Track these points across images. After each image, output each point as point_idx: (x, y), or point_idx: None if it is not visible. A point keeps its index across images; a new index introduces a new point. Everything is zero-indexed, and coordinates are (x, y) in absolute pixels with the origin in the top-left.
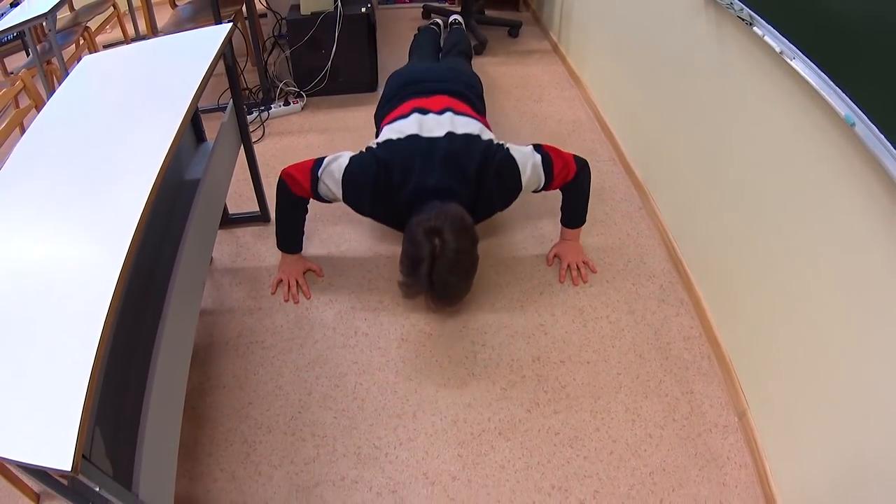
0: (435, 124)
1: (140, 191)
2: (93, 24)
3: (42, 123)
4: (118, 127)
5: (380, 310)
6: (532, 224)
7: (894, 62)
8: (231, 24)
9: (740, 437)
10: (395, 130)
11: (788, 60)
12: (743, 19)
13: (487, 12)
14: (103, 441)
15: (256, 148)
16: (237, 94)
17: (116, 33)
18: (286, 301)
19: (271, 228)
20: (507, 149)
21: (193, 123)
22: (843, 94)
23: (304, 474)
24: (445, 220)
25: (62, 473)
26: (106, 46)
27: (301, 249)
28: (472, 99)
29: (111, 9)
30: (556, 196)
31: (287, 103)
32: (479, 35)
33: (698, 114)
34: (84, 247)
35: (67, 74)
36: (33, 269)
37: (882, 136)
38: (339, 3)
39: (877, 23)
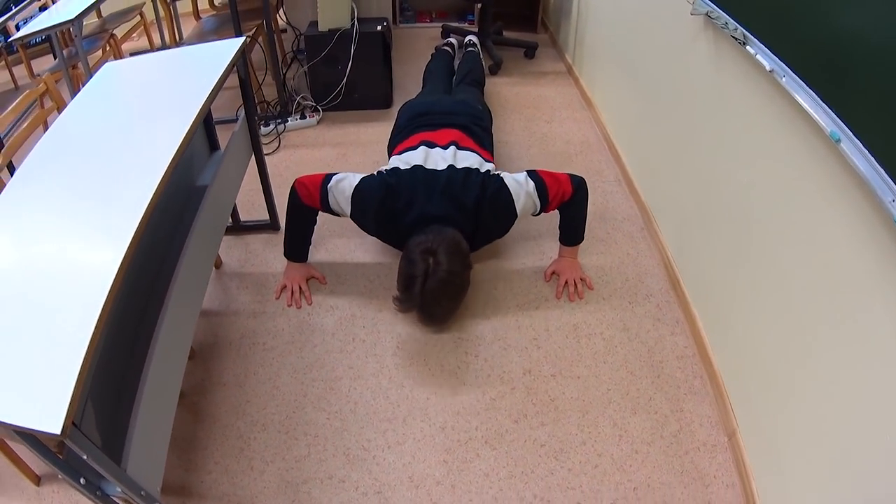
0: (439, 157)
1: (147, 189)
2: (119, 32)
3: (62, 125)
4: (133, 130)
5: (378, 319)
6: (531, 240)
7: (877, 81)
8: (244, 37)
9: (728, 456)
10: (403, 161)
11: (778, 78)
12: (737, 38)
13: (505, 33)
14: (95, 417)
15: (271, 159)
16: (250, 104)
17: (142, 42)
18: (289, 306)
19: (280, 237)
20: (502, 179)
21: (208, 132)
22: (830, 111)
23: (294, 471)
24: (441, 242)
25: (51, 437)
26: (132, 54)
27: (306, 259)
28: (478, 132)
29: (138, 17)
30: (555, 213)
31: (304, 117)
32: (495, 55)
33: (696, 134)
34: (91, 236)
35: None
36: (41, 252)
37: (866, 152)
38: (356, 21)
39: (861, 43)
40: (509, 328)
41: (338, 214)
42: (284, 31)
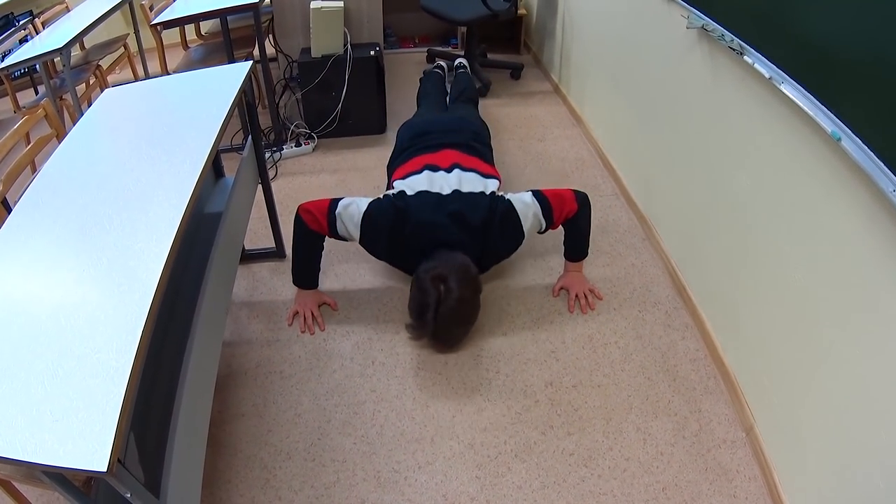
0: (444, 182)
1: (167, 228)
2: (104, 63)
3: (67, 150)
4: (141, 161)
5: (395, 341)
6: (539, 257)
7: (872, 79)
8: (251, 61)
9: (748, 451)
10: (408, 186)
11: (777, 85)
12: (734, 49)
13: (490, 55)
14: (137, 450)
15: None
16: (256, 130)
17: (126, 74)
18: (302, 332)
19: (287, 264)
20: (509, 201)
21: (214, 159)
22: (829, 112)
23: (324, 498)
24: (452, 269)
25: (92, 474)
26: (116, 86)
27: (317, 285)
28: (480, 149)
29: (122, 49)
30: (559, 236)
31: (298, 144)
32: (483, 77)
33: (694, 143)
34: (123, 265)
35: (83, 112)
36: (70, 286)
37: (866, 148)
38: (349, 47)
39: (855, 44)
40: (527, 343)
41: (345, 240)
42: (274, 59)
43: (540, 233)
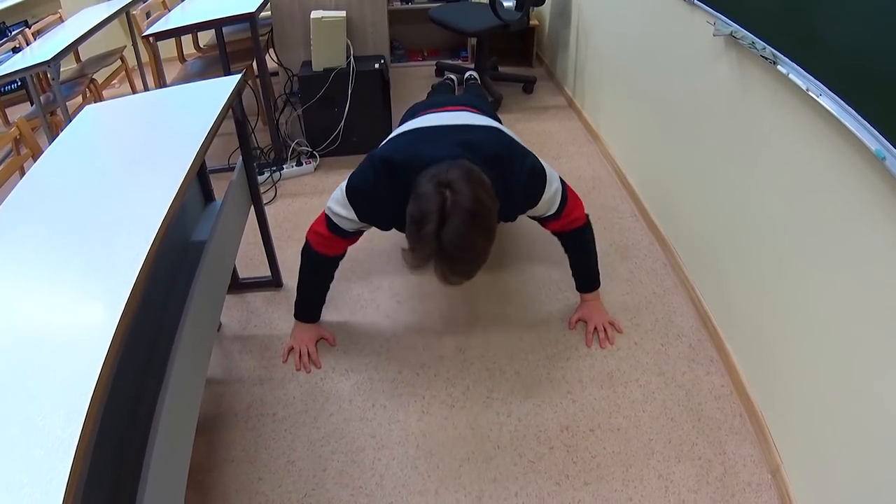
0: (447, 118)
1: (139, 248)
2: (99, 77)
3: (38, 173)
4: (120, 179)
5: (398, 381)
6: (554, 287)
7: None
8: (241, 74)
9: (773, 493)
10: (398, 131)
11: (815, 97)
12: (766, 58)
13: (501, 68)
14: None
15: (268, 209)
16: (247, 149)
17: (124, 88)
18: (298, 370)
19: (284, 294)
20: (538, 158)
21: (202, 181)
22: (873, 129)
23: None
24: (458, 172)
25: None
26: (98, 102)
27: (318, 319)
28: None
29: (119, 62)
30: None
31: (300, 164)
32: (494, 91)
33: (721, 159)
34: (77, 308)
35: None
36: (20, 327)
37: None
38: (353, 60)
39: None
40: (541, 383)
41: (354, 234)
42: (275, 73)
43: (538, 217)
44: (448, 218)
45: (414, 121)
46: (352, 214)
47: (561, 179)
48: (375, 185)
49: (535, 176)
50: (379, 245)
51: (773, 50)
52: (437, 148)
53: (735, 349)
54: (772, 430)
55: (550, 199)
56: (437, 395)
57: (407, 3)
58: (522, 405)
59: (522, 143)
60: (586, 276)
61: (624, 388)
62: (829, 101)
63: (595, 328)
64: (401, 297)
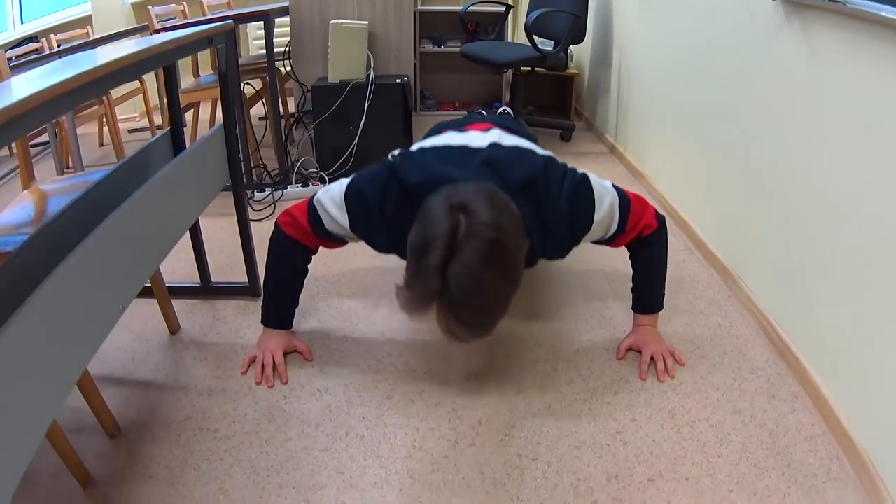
0: (476, 137)
1: None
2: (115, 93)
3: None
4: None
5: (386, 407)
6: (597, 308)
7: None
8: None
9: None
10: (418, 145)
11: None
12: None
13: (537, 116)
14: None
15: (262, 225)
16: (228, 104)
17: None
18: (258, 383)
19: (259, 305)
20: (585, 173)
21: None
22: None
23: None
24: (478, 191)
25: None
26: (130, 131)
27: (290, 326)
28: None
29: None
30: (623, 276)
31: (306, 184)
32: (530, 134)
33: (790, 162)
34: None
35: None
36: None
37: None
38: (373, 73)
39: None
40: (581, 419)
41: (337, 240)
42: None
43: (601, 241)
44: (458, 249)
45: (437, 137)
46: (344, 219)
47: (615, 187)
48: (382, 198)
49: (578, 200)
50: (383, 264)
51: None
52: (461, 170)
53: (825, 381)
54: (882, 473)
55: (605, 218)
56: (436, 427)
57: (439, 47)
58: (555, 446)
59: (560, 161)
60: (649, 294)
61: (691, 429)
62: None
63: (651, 357)
64: (403, 316)
